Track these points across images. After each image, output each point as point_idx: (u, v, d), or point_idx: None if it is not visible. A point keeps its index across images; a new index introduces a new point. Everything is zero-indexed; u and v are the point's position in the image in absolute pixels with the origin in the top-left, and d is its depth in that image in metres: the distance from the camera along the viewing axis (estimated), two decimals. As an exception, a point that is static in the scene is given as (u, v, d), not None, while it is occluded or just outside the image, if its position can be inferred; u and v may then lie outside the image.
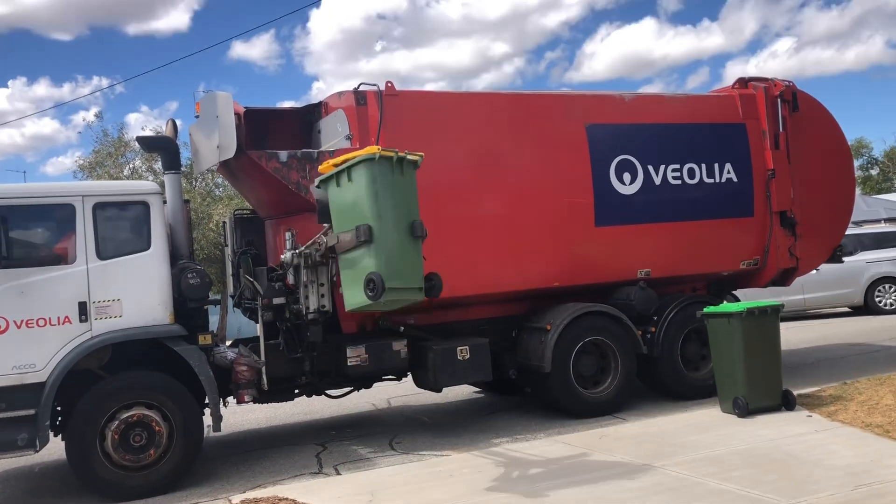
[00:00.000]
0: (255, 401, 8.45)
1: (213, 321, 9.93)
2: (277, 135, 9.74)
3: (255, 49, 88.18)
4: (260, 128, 9.69)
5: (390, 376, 9.53)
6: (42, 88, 74.80)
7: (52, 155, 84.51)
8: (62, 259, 7.44)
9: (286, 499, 6.77)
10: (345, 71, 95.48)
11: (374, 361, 8.76)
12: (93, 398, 7.36)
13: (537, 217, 9.41)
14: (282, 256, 8.44)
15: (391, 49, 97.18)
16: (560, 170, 9.55)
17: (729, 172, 10.49)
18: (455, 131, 9.13)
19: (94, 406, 7.33)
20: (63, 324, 7.32)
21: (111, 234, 7.66)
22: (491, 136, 9.32)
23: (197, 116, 9.03)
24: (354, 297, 6.83)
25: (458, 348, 8.89)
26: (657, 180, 10.05)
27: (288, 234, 8.48)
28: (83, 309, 7.38)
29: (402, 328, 9.13)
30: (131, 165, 20.76)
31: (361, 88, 8.89)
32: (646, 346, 9.77)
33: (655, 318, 9.92)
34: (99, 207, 7.58)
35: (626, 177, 9.87)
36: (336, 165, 7.01)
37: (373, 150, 6.78)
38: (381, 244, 6.60)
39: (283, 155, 8.61)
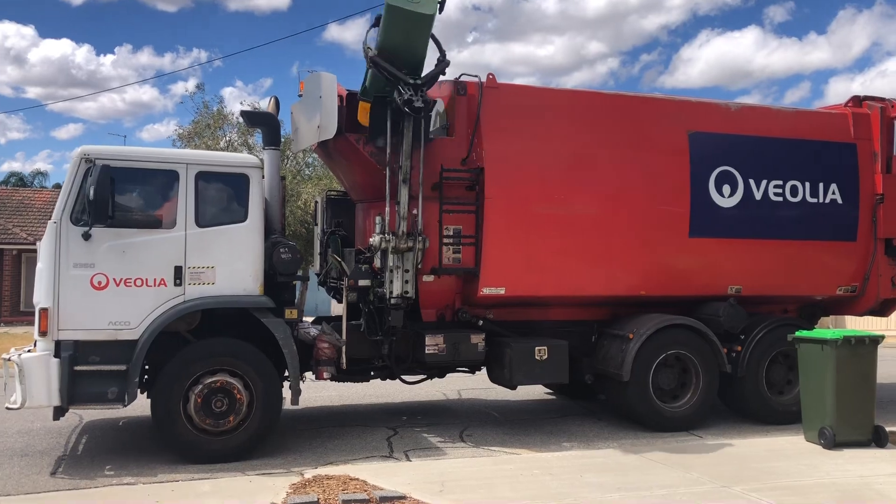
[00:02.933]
0: (332, 378, 8.56)
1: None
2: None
3: (350, 32, 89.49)
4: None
5: (464, 368, 9.51)
6: (145, 57, 77.70)
7: (148, 122, 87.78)
8: (163, 223, 7.67)
9: (357, 479, 6.85)
10: (430, 59, 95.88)
11: (452, 352, 8.76)
12: (180, 361, 7.57)
13: (629, 223, 9.22)
14: (370, 240, 8.51)
15: (483, 41, 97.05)
16: (657, 176, 9.33)
17: (834, 193, 10.05)
18: (552, 128, 9.02)
19: (181, 368, 7.55)
20: (158, 286, 7.55)
21: (210, 203, 7.85)
22: (589, 136, 9.17)
23: (300, 95, 9.16)
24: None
25: (537, 348, 8.80)
26: (758, 195, 9.71)
27: (378, 219, 8.54)
28: (178, 273, 7.60)
29: (481, 322, 9.10)
30: (227, 138, 21.28)
31: (462, 79, 8.87)
32: (730, 364, 9.48)
33: (742, 336, 9.61)
34: (201, 176, 7.77)
35: (726, 189, 9.57)
36: None
37: None
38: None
39: (381, 140, 8.65)
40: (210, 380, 7.60)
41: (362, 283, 8.61)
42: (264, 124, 9.20)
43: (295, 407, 8.30)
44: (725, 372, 9.47)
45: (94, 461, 7.73)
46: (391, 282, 8.37)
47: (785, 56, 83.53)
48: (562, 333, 9.46)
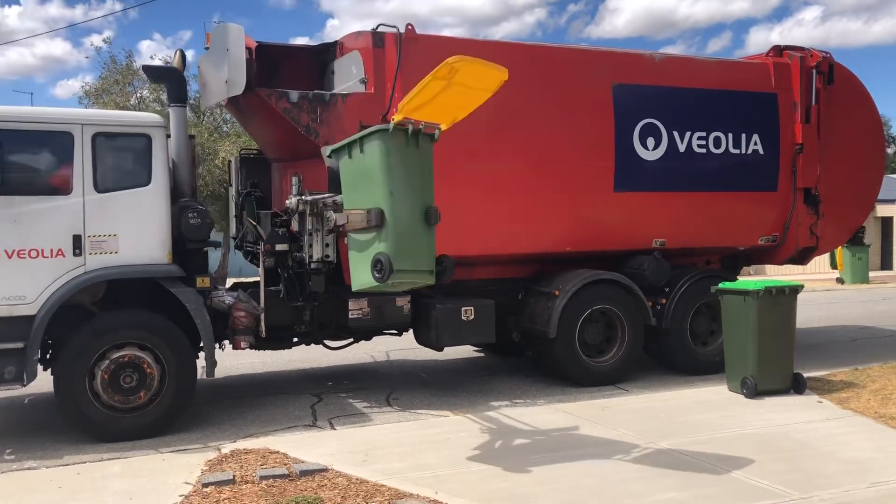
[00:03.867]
0: (251, 347, 8.19)
1: (215, 259, 9.66)
2: (289, 74, 9.31)
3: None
4: (272, 65, 9.29)
5: (392, 331, 9.28)
6: (54, 8, 73.51)
7: (62, 77, 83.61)
8: (58, 190, 7.12)
9: (277, 452, 6.60)
10: (361, 10, 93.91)
11: (376, 315, 8.52)
12: (83, 335, 7.11)
13: (553, 179, 9.04)
14: (286, 202, 8.09)
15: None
16: (582, 130, 9.15)
17: (756, 144, 10.07)
18: (475, 82, 8.69)
19: (85, 343, 7.09)
20: (56, 256, 7.04)
21: (110, 167, 7.31)
22: (511, 90, 8.81)
23: (207, 48, 8.61)
24: (361, 276, 6.41)
25: (463, 308, 8.61)
26: (681, 147, 9.65)
27: (294, 179, 8.09)
28: (77, 242, 7.09)
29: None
30: (139, 94, 20.28)
31: (380, 30, 8.45)
32: (655, 317, 9.49)
33: (667, 289, 9.63)
34: (99, 137, 7.22)
35: (650, 142, 9.47)
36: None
37: (398, 118, 6.25)
38: (392, 225, 6.13)
39: (294, 95, 8.21)
40: (117, 354, 7.16)
41: (279, 247, 8.23)
42: (168, 79, 8.62)
43: (214, 378, 7.96)
44: (651, 325, 9.49)
45: None
46: (311, 246, 7.97)
47: (707, 6, 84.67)
48: (489, 292, 9.29)
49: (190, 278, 7.62)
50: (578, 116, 9.13)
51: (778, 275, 21.13)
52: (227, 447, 6.84)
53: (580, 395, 8.69)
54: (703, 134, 9.76)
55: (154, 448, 7.00)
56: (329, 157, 6.84)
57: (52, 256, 7.03)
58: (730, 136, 9.90)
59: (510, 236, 8.95)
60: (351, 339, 9.27)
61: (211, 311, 7.79)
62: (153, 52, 63.94)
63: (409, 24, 8.43)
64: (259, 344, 8.42)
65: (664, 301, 9.57)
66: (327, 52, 9.42)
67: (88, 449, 6.98)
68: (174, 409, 7.43)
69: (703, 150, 9.78)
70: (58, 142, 7.14)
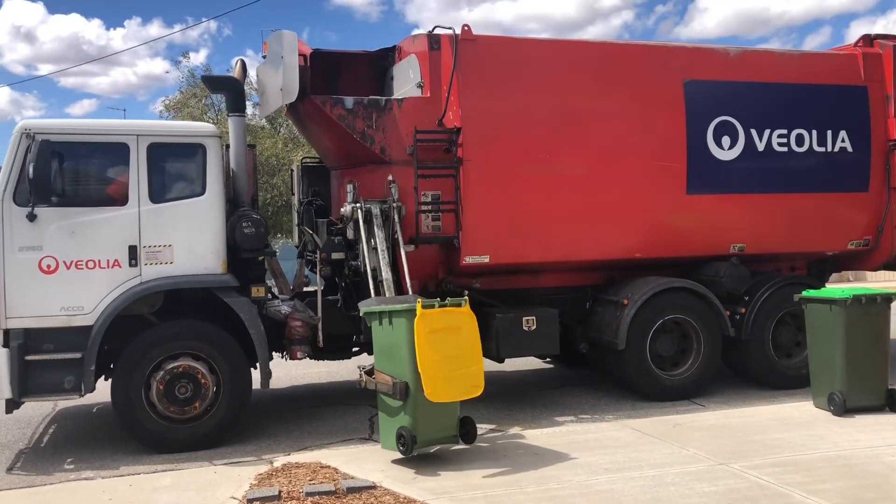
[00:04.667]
0: (308, 357, 8.07)
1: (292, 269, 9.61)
2: (349, 81, 9.24)
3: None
4: (331, 73, 9.22)
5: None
6: (154, 29, 76.56)
7: (161, 94, 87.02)
8: (115, 200, 7.16)
9: (328, 466, 6.42)
10: (447, 19, 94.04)
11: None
12: (139, 346, 7.12)
13: (621, 181, 8.60)
14: (342, 209, 7.97)
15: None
16: (651, 130, 8.67)
17: (843, 141, 9.36)
18: (536, 82, 8.36)
19: (141, 354, 7.10)
20: (112, 267, 7.07)
21: (165, 177, 7.34)
22: (575, 89, 8.51)
23: (264, 56, 8.57)
24: (388, 440, 6.58)
25: (525, 318, 8.27)
26: (760, 146, 9.04)
27: (349, 187, 7.99)
28: (133, 253, 7.11)
29: (467, 292, 8.55)
30: (218, 107, 20.70)
31: (436, 31, 8.22)
32: (733, 328, 8.90)
33: (747, 298, 9.03)
34: (154, 148, 7.24)
35: (726, 141, 8.91)
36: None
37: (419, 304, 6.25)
38: (417, 401, 6.25)
39: (349, 101, 8.07)
40: (172, 365, 7.14)
41: (335, 255, 8.09)
42: (226, 89, 8.62)
43: (278, 388, 7.86)
44: (729, 336, 8.90)
45: (57, 454, 7.35)
46: (366, 254, 7.83)
47: (804, 1, 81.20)
48: (555, 300, 8.94)
49: (246, 288, 7.54)
50: (647, 115, 8.67)
51: (880, 281, 19.87)
52: (280, 460, 6.71)
53: (652, 411, 8.21)
54: (784, 132, 9.12)
55: (209, 460, 6.93)
56: (362, 316, 6.89)
57: (108, 267, 7.07)
58: (814, 133, 9.23)
59: (574, 242, 8.55)
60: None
61: (268, 320, 7.71)
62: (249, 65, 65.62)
63: (465, 25, 8.18)
64: (317, 354, 8.31)
65: (743, 310, 8.97)
66: (386, 58, 9.29)
67: (146, 460, 6.98)
68: (228, 420, 7.35)
69: (785, 149, 9.14)
70: (114, 153, 7.19)
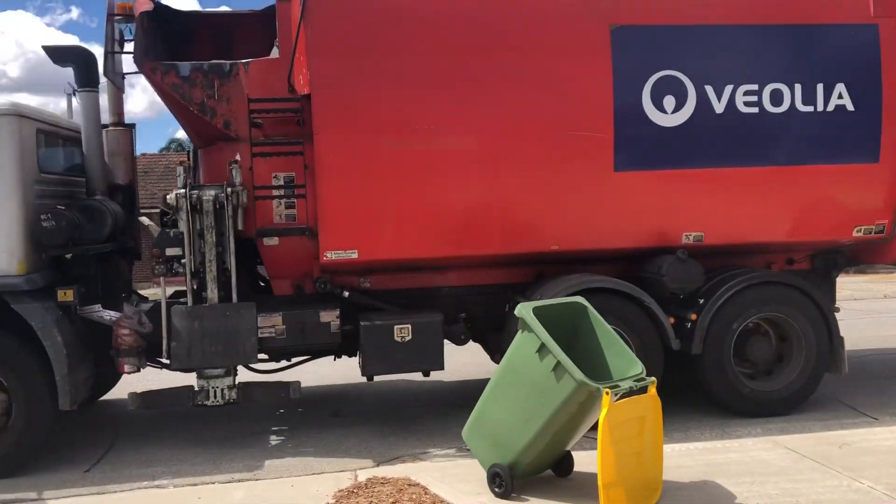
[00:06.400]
0: (138, 370, 6.88)
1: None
2: (245, 46, 7.95)
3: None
4: (224, 38, 8.03)
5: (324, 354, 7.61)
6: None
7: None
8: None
9: (416, 484, 5.45)
10: None
11: (295, 335, 6.89)
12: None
13: (526, 157, 6.87)
14: (167, 197, 6.73)
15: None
16: (565, 91, 6.88)
17: (841, 97, 7.19)
18: (412, 37, 6.75)
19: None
20: None
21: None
22: (466, 44, 6.82)
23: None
24: (474, 441, 5.52)
25: (397, 326, 6.76)
26: (718, 107, 7.04)
27: (179, 170, 6.72)
28: None
29: (347, 293, 7.15)
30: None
31: None
32: (679, 339, 7.02)
33: (702, 300, 7.11)
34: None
35: (669, 102, 6.98)
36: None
37: None
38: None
39: (185, 68, 6.80)
40: (-41, 381, 6.18)
41: (170, 251, 6.84)
42: (71, 61, 7.51)
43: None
44: (674, 349, 7.04)
45: (137, 456, 6.82)
46: (187, 248, 6.58)
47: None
48: (466, 302, 7.43)
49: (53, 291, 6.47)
50: (561, 73, 6.87)
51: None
52: (365, 473, 5.80)
53: (810, 423, 6.83)
54: (754, 87, 7.07)
55: (290, 471, 6.17)
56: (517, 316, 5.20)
57: None
58: (797, 88, 7.12)
59: (467, 233, 6.92)
60: (295, 362, 7.70)
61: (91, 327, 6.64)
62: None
63: None
64: (167, 365, 7.13)
65: (694, 316, 7.06)
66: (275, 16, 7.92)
67: (225, 466, 6.41)
68: (26, 443, 6.32)
69: (755, 110, 7.09)
70: None
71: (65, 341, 6.31)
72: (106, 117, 7.71)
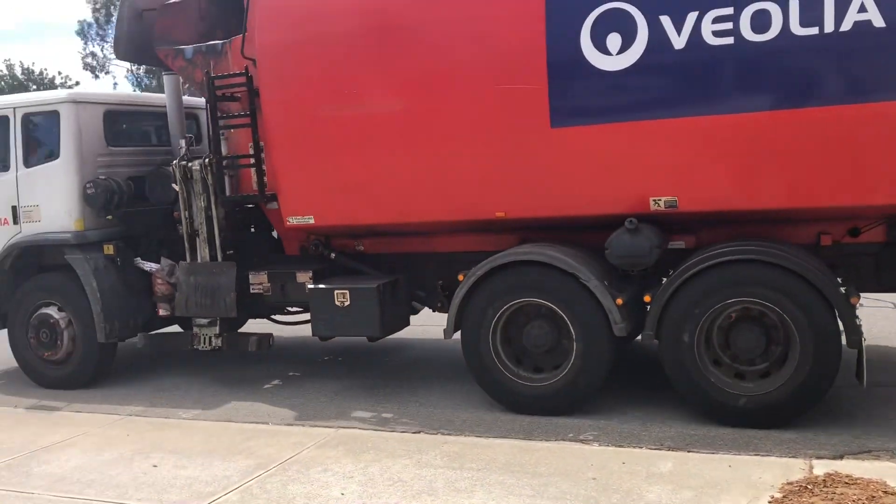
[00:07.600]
0: (171, 315, 8.08)
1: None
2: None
3: None
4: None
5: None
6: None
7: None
8: (6, 166, 8.26)
9: (893, 493, 4.43)
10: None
11: (278, 292, 7.50)
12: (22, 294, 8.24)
13: (460, 117, 6.34)
14: (169, 167, 7.72)
15: None
16: (490, 40, 6.15)
17: (863, 10, 5.20)
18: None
19: (22, 301, 8.20)
20: (3, 224, 8.26)
21: (34, 143, 8.13)
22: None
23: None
24: None
25: (337, 291, 6.92)
26: (678, 42, 5.64)
27: (182, 142, 7.67)
28: (14, 212, 8.17)
29: (333, 255, 7.49)
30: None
31: None
32: (623, 322, 5.93)
33: (665, 280, 5.91)
34: (26, 118, 8.07)
35: (614, 41, 5.80)
36: None
37: None
38: None
39: (189, 51, 7.62)
40: (44, 311, 8.08)
41: (177, 215, 7.87)
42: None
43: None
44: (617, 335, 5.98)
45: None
46: (182, 213, 7.55)
47: None
48: (454, 268, 7.20)
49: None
50: (487, 18, 6.16)
51: None
52: (822, 466, 4.85)
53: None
54: (728, 11, 5.49)
55: (729, 447, 5.34)
56: None
57: (3, 224, 8.28)
58: (790, 4, 5.34)
59: (408, 200, 6.71)
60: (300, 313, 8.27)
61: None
62: None
63: None
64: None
65: (647, 298, 5.91)
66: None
67: (655, 432, 5.75)
68: (89, 365, 8.01)
69: (729, 40, 5.51)
70: (2, 125, 8.23)
71: (100, 286, 7.79)
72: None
